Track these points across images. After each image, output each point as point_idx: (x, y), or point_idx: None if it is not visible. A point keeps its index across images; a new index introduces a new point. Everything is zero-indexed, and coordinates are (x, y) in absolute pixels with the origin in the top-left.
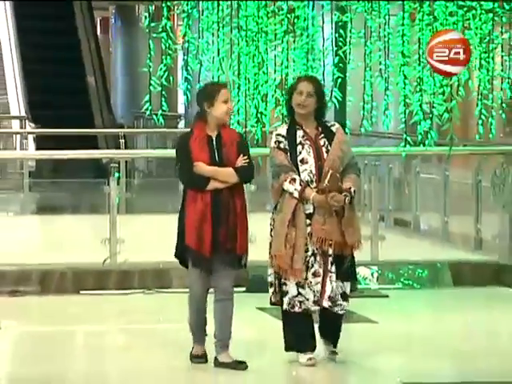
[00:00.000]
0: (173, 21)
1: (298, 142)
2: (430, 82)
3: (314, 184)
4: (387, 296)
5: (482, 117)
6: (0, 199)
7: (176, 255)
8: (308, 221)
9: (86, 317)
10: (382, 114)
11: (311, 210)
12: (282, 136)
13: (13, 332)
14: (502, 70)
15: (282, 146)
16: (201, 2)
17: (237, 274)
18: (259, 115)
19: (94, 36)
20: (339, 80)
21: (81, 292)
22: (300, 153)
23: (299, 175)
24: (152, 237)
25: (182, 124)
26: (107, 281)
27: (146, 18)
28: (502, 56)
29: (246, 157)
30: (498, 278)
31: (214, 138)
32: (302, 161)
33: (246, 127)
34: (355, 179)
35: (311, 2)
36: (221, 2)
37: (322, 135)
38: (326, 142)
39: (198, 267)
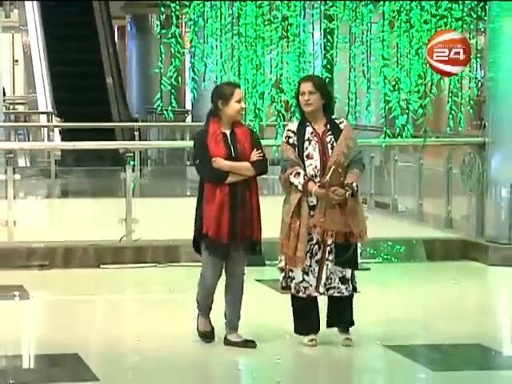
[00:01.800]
0: (181, 28)
1: (306, 138)
2: (406, 81)
3: (318, 178)
4: (369, 269)
5: (453, 112)
6: (30, 184)
7: (194, 246)
8: (312, 212)
9: (105, 287)
10: (365, 110)
11: (315, 202)
12: (292, 132)
13: (41, 301)
14: (469, 71)
15: (290, 141)
16: (206, 11)
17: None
18: (257, 111)
19: (112, 41)
20: (327, 80)
21: (101, 266)
22: (306, 148)
23: (305, 169)
24: (163, 217)
25: (189, 118)
26: (124, 256)
27: (157, 25)
28: (470, 59)
29: (259, 151)
30: (466, 253)
31: (228, 135)
32: (308, 156)
33: (245, 121)
34: (358, 174)
35: (303, 12)
36: (223, 11)
37: (330, 132)
38: (333, 139)
39: (214, 254)
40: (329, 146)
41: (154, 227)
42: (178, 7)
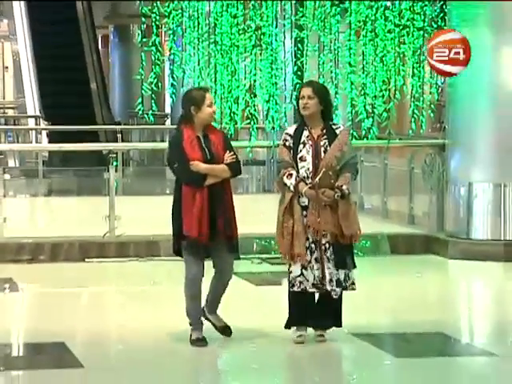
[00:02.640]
0: (161, 37)
1: (301, 141)
2: (371, 87)
3: (310, 180)
4: None
5: (415, 116)
6: (19, 184)
7: (174, 250)
8: (304, 212)
9: (90, 280)
10: (333, 114)
11: (306, 203)
12: (289, 135)
13: (30, 293)
14: (430, 77)
15: (287, 143)
16: (184, 21)
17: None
18: (232, 114)
19: (96, 50)
20: (298, 85)
21: (86, 260)
22: (300, 151)
23: (298, 171)
24: (144, 214)
25: (168, 122)
26: (107, 250)
27: (138, 34)
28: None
29: (232, 153)
30: (427, 247)
31: (201, 138)
32: (301, 158)
33: (221, 124)
34: (349, 178)
35: (275, 22)
36: (200, 21)
37: (325, 136)
38: (327, 143)
39: (195, 255)
40: (322, 149)
41: (135, 224)
42: (157, 17)
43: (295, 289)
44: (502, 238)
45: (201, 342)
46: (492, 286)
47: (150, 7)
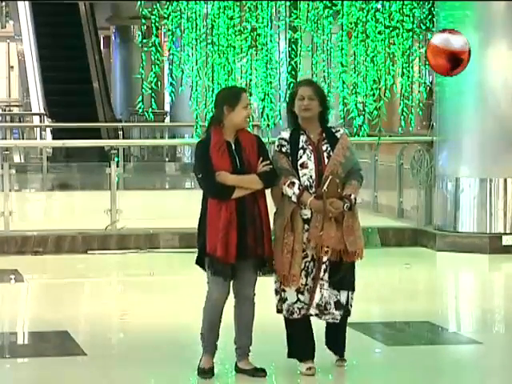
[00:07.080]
0: (160, 38)
1: (300, 146)
2: (363, 86)
3: (313, 189)
4: None
5: (404, 114)
6: (24, 178)
7: (197, 262)
8: (306, 226)
9: (92, 271)
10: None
11: (309, 216)
12: (285, 140)
13: (34, 283)
14: (419, 77)
15: (284, 149)
16: (182, 23)
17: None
18: None
19: (98, 50)
20: (291, 84)
21: (88, 252)
22: (301, 157)
23: (299, 179)
24: (144, 208)
25: (167, 119)
26: (109, 243)
27: (139, 35)
28: (420, 66)
29: (267, 161)
30: (416, 239)
31: (232, 144)
32: (302, 165)
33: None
34: (356, 186)
35: (270, 23)
36: (198, 23)
37: (325, 140)
38: (329, 148)
39: (220, 275)
40: (325, 154)
41: (136, 217)
42: (157, 19)
43: (295, 316)
44: (488, 231)
45: (206, 374)
46: (478, 277)
47: (150, 9)
